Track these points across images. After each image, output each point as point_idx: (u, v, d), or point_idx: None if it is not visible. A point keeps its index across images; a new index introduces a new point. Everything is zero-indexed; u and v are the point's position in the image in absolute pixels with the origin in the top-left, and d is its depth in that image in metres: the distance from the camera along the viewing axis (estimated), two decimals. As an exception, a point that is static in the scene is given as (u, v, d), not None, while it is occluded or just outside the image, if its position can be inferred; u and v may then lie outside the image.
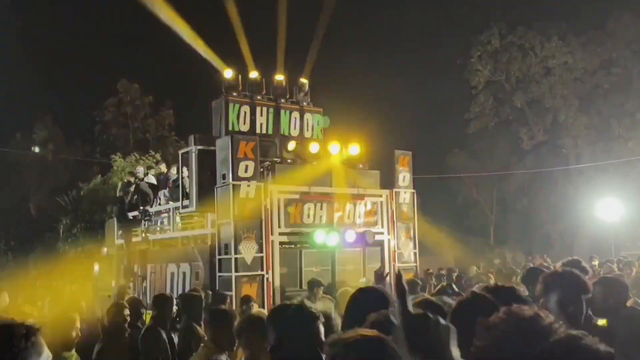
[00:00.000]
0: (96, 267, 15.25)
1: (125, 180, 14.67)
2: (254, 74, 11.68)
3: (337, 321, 3.14)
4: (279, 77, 11.92)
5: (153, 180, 13.33)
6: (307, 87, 12.18)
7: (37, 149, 32.24)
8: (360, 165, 11.11)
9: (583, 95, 29.27)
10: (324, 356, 2.07)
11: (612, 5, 27.92)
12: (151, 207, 12.62)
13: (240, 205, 9.15)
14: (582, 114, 29.19)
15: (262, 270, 9.22)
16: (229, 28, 14.02)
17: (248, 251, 9.13)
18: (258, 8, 22.18)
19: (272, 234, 9.46)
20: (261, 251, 9.24)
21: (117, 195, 14.22)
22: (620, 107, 27.89)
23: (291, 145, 10.90)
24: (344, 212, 10.32)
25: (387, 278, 3.86)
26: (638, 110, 26.98)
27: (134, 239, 12.73)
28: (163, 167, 13.66)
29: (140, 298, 10.17)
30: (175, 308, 6.18)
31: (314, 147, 10.73)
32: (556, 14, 29.54)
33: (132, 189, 13.18)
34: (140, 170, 14.72)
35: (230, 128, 10.95)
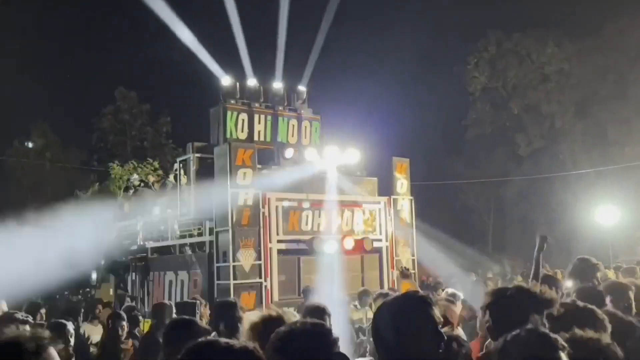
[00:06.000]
0: (94, 275, 15.19)
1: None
2: (252, 82, 11.68)
3: None
4: (277, 85, 11.92)
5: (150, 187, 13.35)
6: (305, 95, 12.18)
7: (34, 157, 32.15)
8: (358, 172, 11.10)
9: (579, 101, 29.35)
10: None
11: (608, 12, 28.06)
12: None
13: (238, 212, 9.15)
14: (578, 120, 29.26)
15: (260, 278, 9.20)
16: (226, 35, 14.08)
17: (246, 259, 9.11)
18: (256, 15, 22.27)
19: (270, 242, 9.44)
20: (259, 259, 9.22)
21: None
22: (617, 114, 27.96)
23: (289, 153, 10.89)
24: (342, 220, 10.32)
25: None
26: (634, 117, 27.02)
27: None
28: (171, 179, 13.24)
29: (139, 306, 10.13)
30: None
31: (311, 155, 10.73)
32: (552, 20, 29.69)
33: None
34: (135, 177, 14.72)
35: (228, 135, 10.95)
